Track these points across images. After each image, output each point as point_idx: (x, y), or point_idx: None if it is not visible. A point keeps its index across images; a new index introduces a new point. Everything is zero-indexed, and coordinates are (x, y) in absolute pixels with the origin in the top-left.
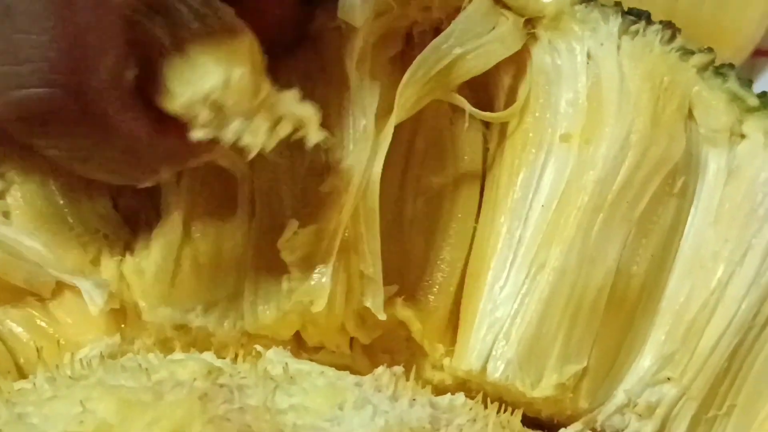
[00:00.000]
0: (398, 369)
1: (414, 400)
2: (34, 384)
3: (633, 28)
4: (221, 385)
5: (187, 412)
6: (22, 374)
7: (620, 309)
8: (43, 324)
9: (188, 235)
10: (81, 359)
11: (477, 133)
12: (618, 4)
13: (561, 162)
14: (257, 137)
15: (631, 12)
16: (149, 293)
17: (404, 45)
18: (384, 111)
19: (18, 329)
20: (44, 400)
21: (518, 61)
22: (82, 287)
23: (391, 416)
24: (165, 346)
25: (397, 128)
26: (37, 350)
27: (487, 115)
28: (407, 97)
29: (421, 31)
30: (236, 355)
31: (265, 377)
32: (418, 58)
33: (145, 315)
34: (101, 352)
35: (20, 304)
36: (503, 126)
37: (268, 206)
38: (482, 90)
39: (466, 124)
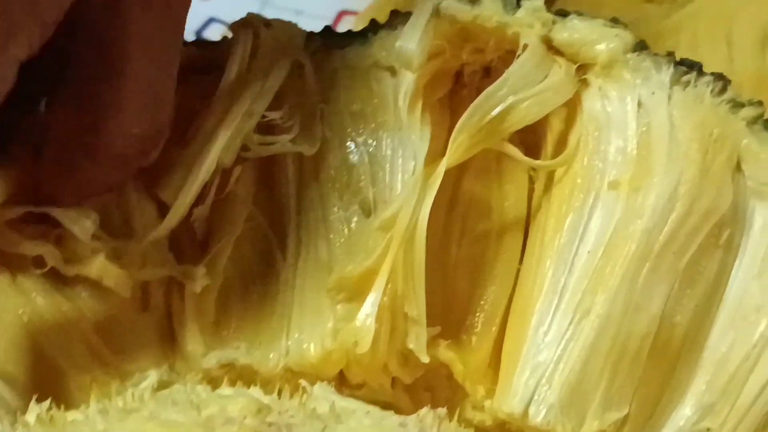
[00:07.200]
0: (441, 411)
1: None
2: (87, 416)
3: (684, 78)
4: (270, 424)
5: None
6: (72, 404)
7: (662, 357)
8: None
9: (233, 274)
10: (132, 392)
11: (523, 176)
12: (671, 54)
13: (609, 209)
14: None
15: (683, 62)
16: (197, 340)
17: (453, 84)
18: (432, 152)
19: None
20: None
21: (568, 106)
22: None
23: None
24: (212, 379)
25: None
26: (90, 380)
27: (538, 163)
28: (459, 143)
29: (471, 71)
30: (280, 391)
31: (312, 416)
32: (472, 105)
33: (194, 362)
34: (153, 384)
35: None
36: (551, 170)
37: (315, 245)
38: (529, 131)
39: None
